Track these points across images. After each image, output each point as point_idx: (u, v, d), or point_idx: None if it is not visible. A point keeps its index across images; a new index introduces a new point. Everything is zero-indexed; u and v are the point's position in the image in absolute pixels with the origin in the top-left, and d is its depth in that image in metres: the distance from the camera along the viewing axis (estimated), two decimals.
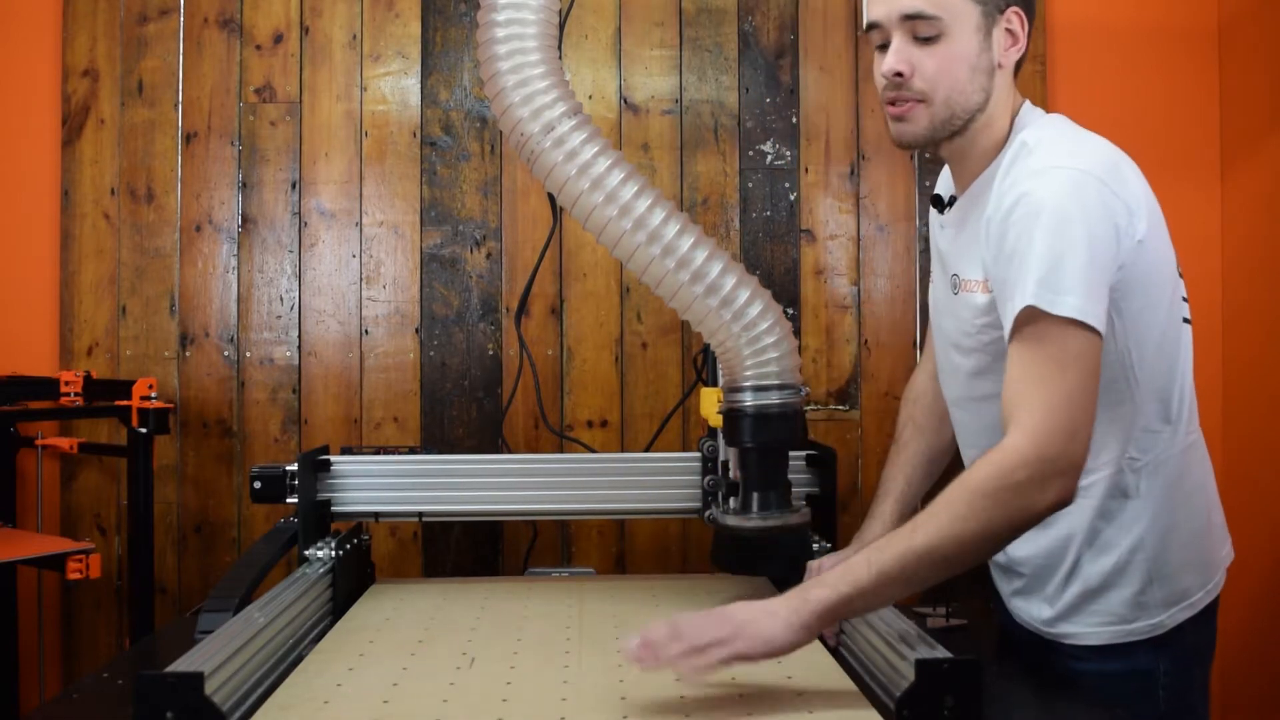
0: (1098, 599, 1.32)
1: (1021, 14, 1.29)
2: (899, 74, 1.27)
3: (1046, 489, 1.12)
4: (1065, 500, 1.14)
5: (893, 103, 1.30)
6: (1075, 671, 1.33)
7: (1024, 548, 1.38)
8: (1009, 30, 1.28)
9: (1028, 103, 1.34)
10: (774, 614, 1.10)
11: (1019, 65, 1.33)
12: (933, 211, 1.47)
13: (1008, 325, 1.18)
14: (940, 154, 1.37)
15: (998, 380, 1.29)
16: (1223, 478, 2.33)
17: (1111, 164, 1.23)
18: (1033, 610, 1.39)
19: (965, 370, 1.37)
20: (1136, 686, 1.30)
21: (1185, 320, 1.34)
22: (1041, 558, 1.36)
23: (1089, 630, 1.33)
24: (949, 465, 1.58)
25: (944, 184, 1.48)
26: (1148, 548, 1.30)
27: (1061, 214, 1.16)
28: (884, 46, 1.29)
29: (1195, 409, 1.36)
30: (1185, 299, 1.36)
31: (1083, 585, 1.32)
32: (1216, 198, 2.39)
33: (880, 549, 1.13)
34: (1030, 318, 1.15)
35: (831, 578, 1.13)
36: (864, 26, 1.32)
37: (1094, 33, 2.39)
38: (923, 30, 1.25)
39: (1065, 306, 1.14)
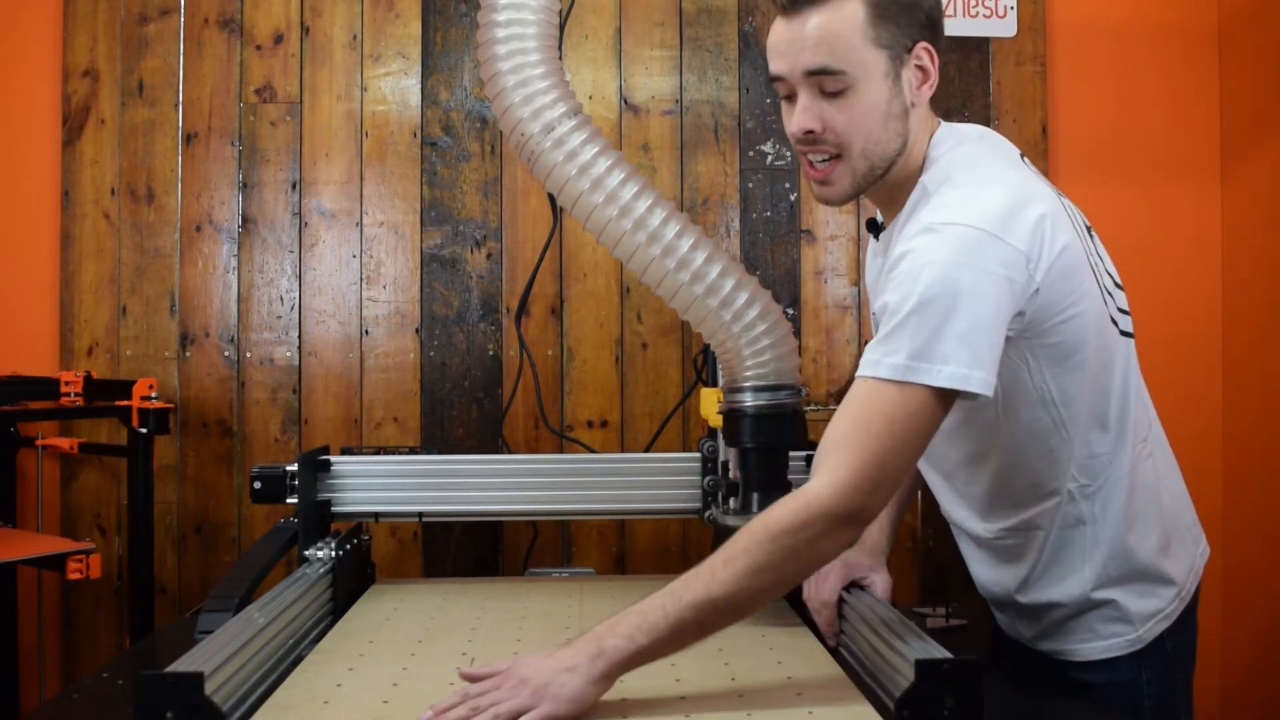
0: (1074, 620, 1.31)
1: (930, 47, 1.22)
2: (810, 131, 1.21)
3: (839, 539, 1.12)
4: (848, 547, 1.14)
5: (809, 158, 1.25)
6: (1064, 679, 1.33)
7: (989, 574, 1.37)
8: (919, 67, 1.22)
9: (942, 128, 1.28)
10: (572, 670, 1.07)
11: (932, 95, 1.26)
12: (870, 238, 1.43)
13: (861, 366, 1.14)
14: (866, 197, 1.32)
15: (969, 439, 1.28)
16: (1223, 479, 2.35)
17: (1005, 212, 1.14)
18: (1013, 626, 1.39)
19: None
20: (1122, 697, 1.30)
21: (1124, 334, 1.29)
22: (1003, 587, 1.35)
23: (1071, 647, 1.32)
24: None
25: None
26: (1112, 569, 1.28)
27: (946, 276, 1.11)
28: (790, 97, 1.24)
29: (1146, 418, 1.32)
30: (1125, 310, 1.31)
31: (1057, 612, 1.31)
32: (1216, 198, 2.39)
33: (677, 596, 1.10)
34: (866, 377, 1.13)
35: (627, 627, 1.10)
36: (769, 77, 1.26)
37: (1094, 33, 2.39)
38: (829, 85, 1.19)
39: (941, 377, 1.10)
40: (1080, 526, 1.28)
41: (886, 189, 1.28)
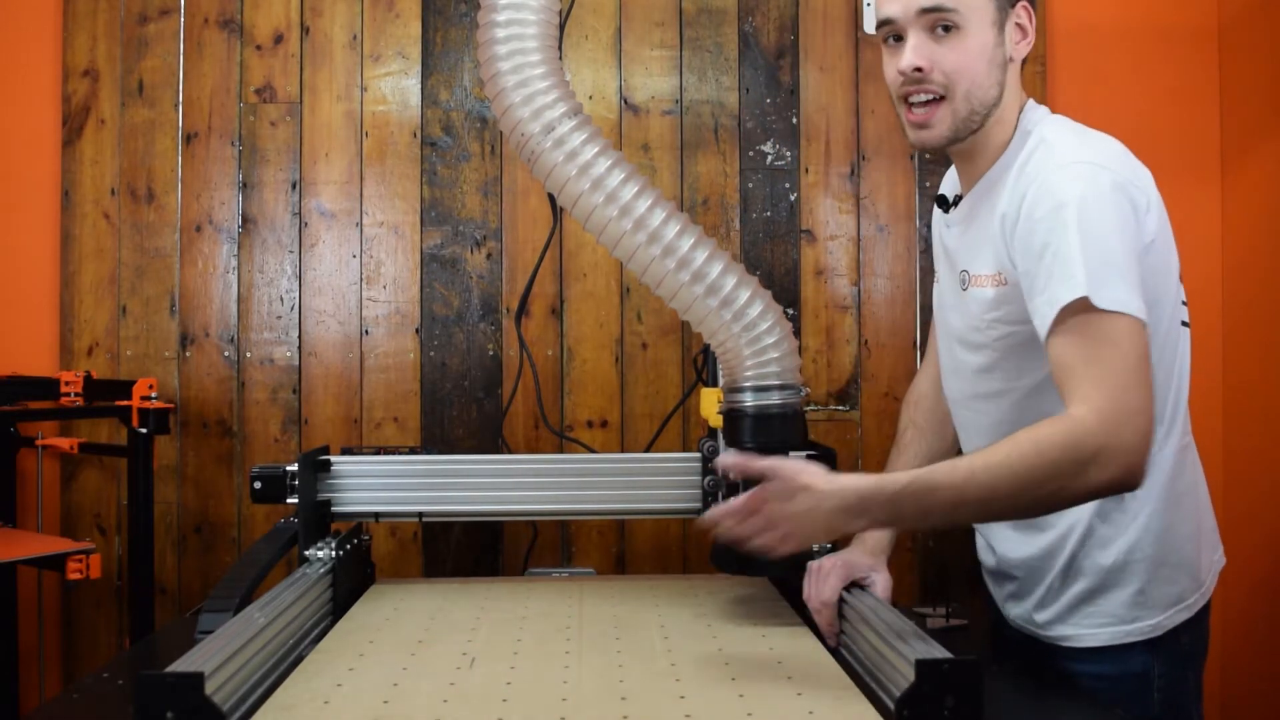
0: (1096, 600, 1.32)
1: (1029, 9, 1.30)
2: (919, 69, 1.25)
3: (1107, 467, 1.09)
4: (1127, 484, 1.12)
5: (909, 101, 1.28)
6: (1070, 673, 1.33)
7: (1019, 549, 1.38)
8: (1019, 24, 1.29)
9: (1032, 100, 1.34)
10: (830, 529, 1.14)
11: (1025, 61, 1.33)
12: (937, 212, 1.47)
13: (1048, 317, 1.16)
14: (949, 152, 1.36)
15: (1005, 377, 1.29)
16: (1223, 480, 2.34)
17: (1130, 165, 1.24)
18: (1028, 613, 1.39)
19: (972, 367, 1.37)
20: (1131, 688, 1.31)
21: (1184, 324, 1.35)
22: (1037, 559, 1.36)
23: (1086, 632, 1.33)
24: None
25: (949, 184, 1.48)
26: (1145, 548, 1.30)
27: (1095, 209, 1.16)
28: (895, 42, 1.29)
29: (1188, 413, 1.36)
30: (1184, 303, 1.36)
31: (1081, 587, 1.32)
32: (1216, 198, 2.39)
33: (932, 485, 1.11)
34: (1078, 309, 1.14)
35: (892, 490, 1.12)
36: (876, 24, 1.31)
37: (1094, 33, 2.39)
38: (941, 23, 1.25)
39: (1113, 300, 1.13)
40: (1121, 501, 1.30)
41: (974, 147, 1.32)
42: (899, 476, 1.13)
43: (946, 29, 1.25)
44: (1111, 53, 2.38)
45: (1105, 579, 1.31)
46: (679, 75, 2.35)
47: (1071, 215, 1.16)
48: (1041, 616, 1.37)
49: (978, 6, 1.25)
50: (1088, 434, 1.09)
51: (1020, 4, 1.29)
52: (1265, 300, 2.24)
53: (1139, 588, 1.31)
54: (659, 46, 2.35)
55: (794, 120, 2.34)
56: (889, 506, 1.13)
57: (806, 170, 2.34)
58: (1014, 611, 1.43)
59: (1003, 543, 1.42)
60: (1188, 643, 1.33)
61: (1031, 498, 1.11)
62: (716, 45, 2.35)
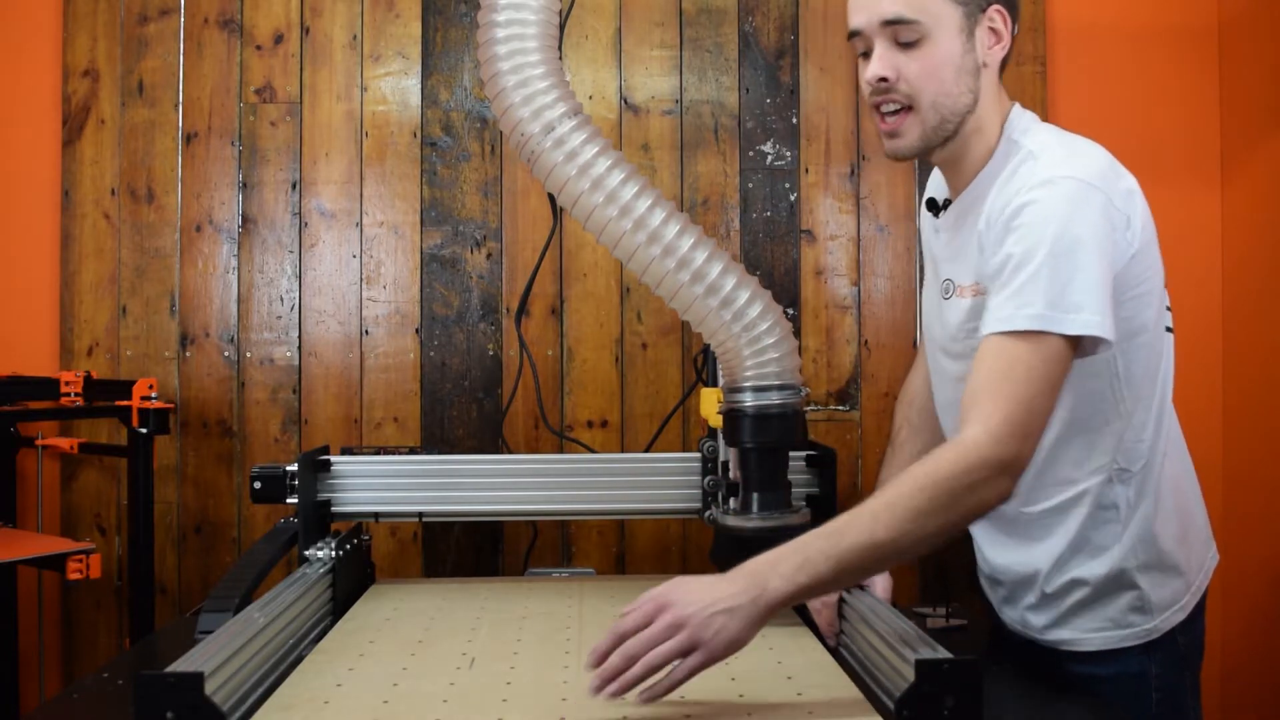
0: (1094, 606, 1.32)
1: (1004, 11, 1.27)
2: (883, 79, 1.26)
3: (998, 486, 1.13)
4: (1005, 499, 1.14)
5: (880, 109, 1.30)
6: (1068, 674, 1.34)
7: (1011, 556, 1.38)
8: (992, 29, 1.27)
9: (1017, 105, 1.34)
10: (731, 612, 1.05)
11: (1004, 64, 1.32)
12: (926, 215, 1.47)
13: (992, 328, 1.17)
14: (932, 160, 1.36)
15: None
16: (1223, 481, 2.34)
17: (1113, 176, 1.23)
18: (1024, 617, 1.39)
19: (953, 375, 1.37)
20: (1128, 690, 1.31)
21: (1168, 329, 1.36)
22: (1029, 567, 1.36)
23: (1084, 636, 1.33)
24: None
25: (936, 187, 1.48)
26: (1139, 554, 1.31)
27: (1070, 228, 1.16)
28: (867, 54, 1.29)
29: (1174, 414, 1.38)
30: (1169, 308, 1.37)
31: (1079, 593, 1.33)
32: (1216, 198, 2.39)
33: (836, 538, 1.09)
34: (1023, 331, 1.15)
35: (788, 567, 1.08)
36: (847, 35, 1.32)
37: (1094, 33, 2.39)
38: (904, 35, 1.24)
39: (1077, 325, 1.14)
40: (1114, 509, 1.31)
41: (953, 153, 1.32)
42: (805, 568, 1.09)
43: (911, 41, 1.25)
44: (1111, 53, 2.38)
45: (1102, 587, 1.32)
46: (679, 75, 2.35)
47: (1047, 234, 1.16)
48: (1037, 620, 1.37)
49: (942, 15, 1.24)
50: (981, 464, 1.11)
51: (994, 7, 1.27)
52: (1265, 300, 2.24)
53: (1136, 594, 1.31)
54: (659, 46, 2.35)
55: (794, 120, 2.34)
56: (802, 550, 1.09)
57: (806, 170, 2.34)
58: (1009, 615, 1.43)
59: (992, 549, 1.43)
60: (1184, 643, 1.34)
61: (933, 526, 1.11)
62: (716, 45, 2.35)
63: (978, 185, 1.31)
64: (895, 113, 1.28)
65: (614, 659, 1.05)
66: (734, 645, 1.06)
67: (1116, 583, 1.31)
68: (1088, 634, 1.33)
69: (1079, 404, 1.28)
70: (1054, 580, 1.34)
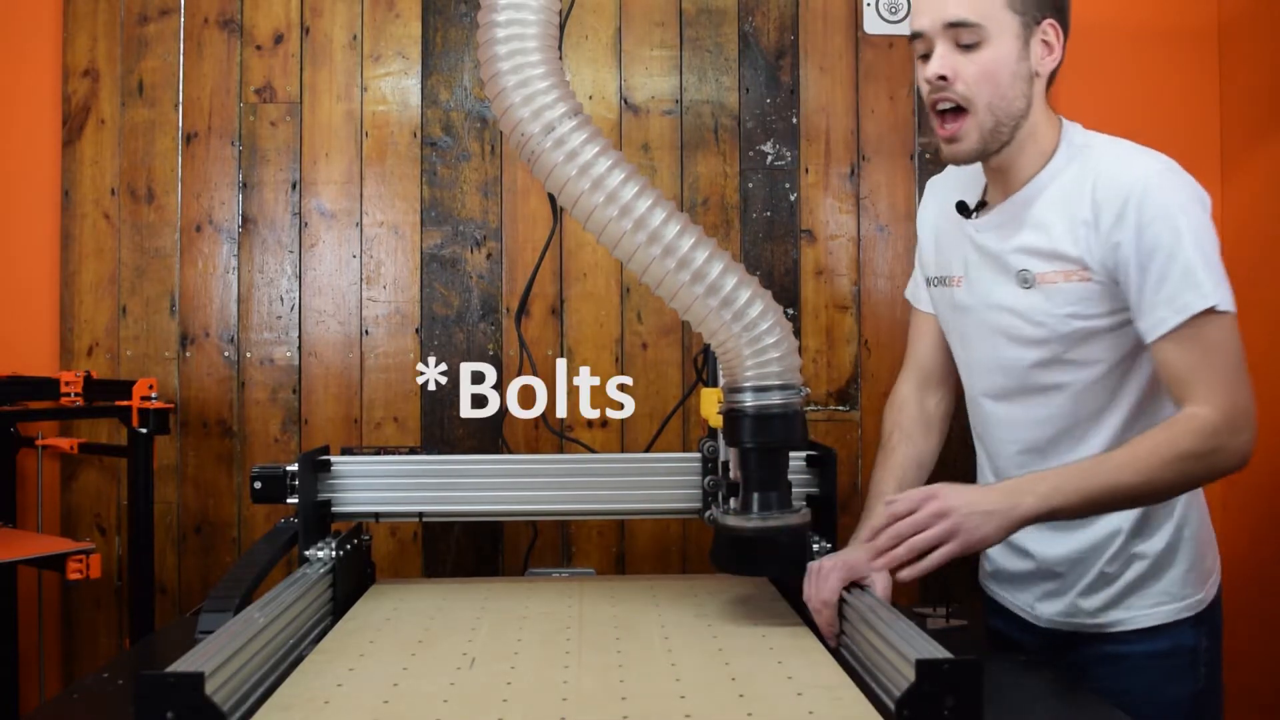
0: (1153, 581, 1.38)
1: (1057, 26, 1.35)
2: (942, 77, 1.32)
3: (1232, 457, 1.27)
4: (1240, 468, 1.28)
5: (936, 109, 1.35)
6: (1116, 655, 1.37)
7: (1062, 546, 1.42)
8: (1045, 41, 1.35)
9: (1067, 120, 1.41)
10: (989, 514, 1.21)
11: (1053, 77, 1.39)
12: (952, 216, 1.48)
13: (1169, 322, 1.27)
14: (988, 165, 1.41)
15: (1066, 370, 1.36)
16: (1223, 480, 2.33)
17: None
18: (1074, 604, 1.42)
19: (1026, 363, 1.41)
20: (1180, 663, 1.38)
21: None
22: (1085, 551, 1.41)
23: (1143, 613, 1.39)
24: (934, 471, 1.61)
25: (961, 188, 1.49)
26: (1191, 523, 1.39)
27: (1198, 216, 1.29)
28: (926, 56, 1.35)
29: None
30: None
31: (1137, 570, 1.39)
32: (1217, 198, 2.38)
33: (1088, 476, 1.24)
34: (1200, 315, 1.26)
35: (1044, 488, 1.23)
36: (909, 37, 1.38)
37: (1094, 33, 2.38)
38: (965, 37, 1.31)
39: (1229, 302, 1.28)
40: None
41: (1008, 160, 1.39)
42: (1055, 494, 1.25)
43: (971, 44, 1.31)
44: (1112, 53, 2.38)
45: (1161, 560, 1.38)
46: (679, 75, 2.35)
47: (1184, 224, 1.27)
48: (1089, 604, 1.42)
49: (1002, 21, 1.31)
50: (1214, 431, 1.25)
51: (1047, 20, 1.34)
52: (1265, 300, 2.24)
53: (1189, 565, 1.39)
54: (659, 46, 2.35)
55: (794, 120, 2.34)
56: (1055, 478, 1.25)
57: (806, 170, 2.34)
58: (1049, 610, 1.45)
59: (1040, 544, 1.45)
60: (1219, 615, 1.43)
61: (1167, 484, 1.27)
62: (716, 45, 2.35)
63: (1041, 180, 1.38)
64: (953, 116, 1.34)
65: (884, 538, 1.26)
66: (984, 542, 1.22)
67: (1172, 552, 1.38)
68: (1145, 610, 1.39)
69: (1143, 386, 1.37)
70: (1116, 558, 1.39)
